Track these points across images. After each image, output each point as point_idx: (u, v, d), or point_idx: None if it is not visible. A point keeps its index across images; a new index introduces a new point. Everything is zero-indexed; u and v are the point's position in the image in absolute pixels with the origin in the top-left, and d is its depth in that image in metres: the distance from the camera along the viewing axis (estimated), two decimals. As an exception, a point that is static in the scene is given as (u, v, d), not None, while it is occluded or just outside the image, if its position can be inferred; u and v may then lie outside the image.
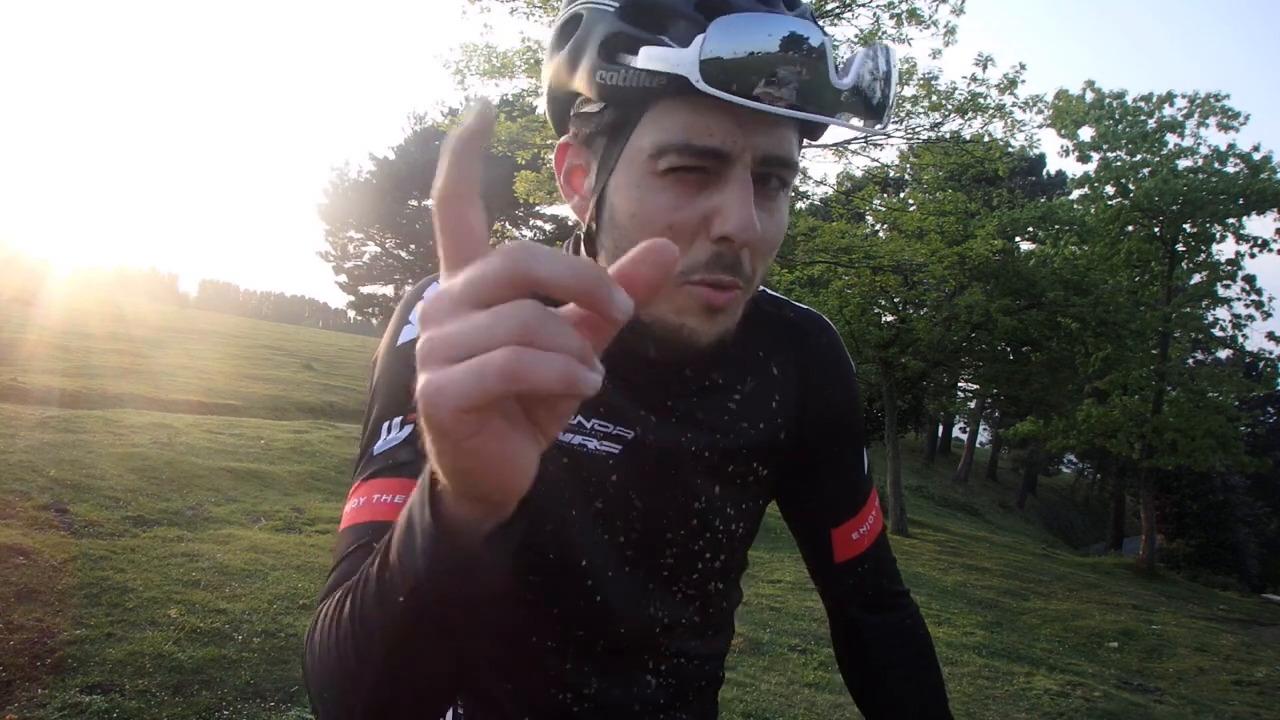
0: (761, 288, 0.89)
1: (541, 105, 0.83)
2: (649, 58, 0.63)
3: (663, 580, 0.80)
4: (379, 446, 0.69)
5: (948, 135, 10.89)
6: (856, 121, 0.68)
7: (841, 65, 0.65)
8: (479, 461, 0.36)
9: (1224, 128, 13.74)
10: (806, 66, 0.62)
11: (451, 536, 0.41)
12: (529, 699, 0.78)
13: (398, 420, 0.69)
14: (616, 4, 0.65)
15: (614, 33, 0.64)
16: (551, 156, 0.77)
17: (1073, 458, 34.70)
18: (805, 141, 0.74)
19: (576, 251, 0.75)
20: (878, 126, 0.69)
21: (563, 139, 0.75)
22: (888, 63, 0.68)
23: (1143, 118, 13.79)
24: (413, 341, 0.70)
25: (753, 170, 0.66)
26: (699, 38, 0.61)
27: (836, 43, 0.64)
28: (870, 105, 0.67)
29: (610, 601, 0.77)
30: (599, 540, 0.77)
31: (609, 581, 0.77)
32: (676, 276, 0.67)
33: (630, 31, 0.64)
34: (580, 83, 0.68)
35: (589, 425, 0.75)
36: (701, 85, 0.60)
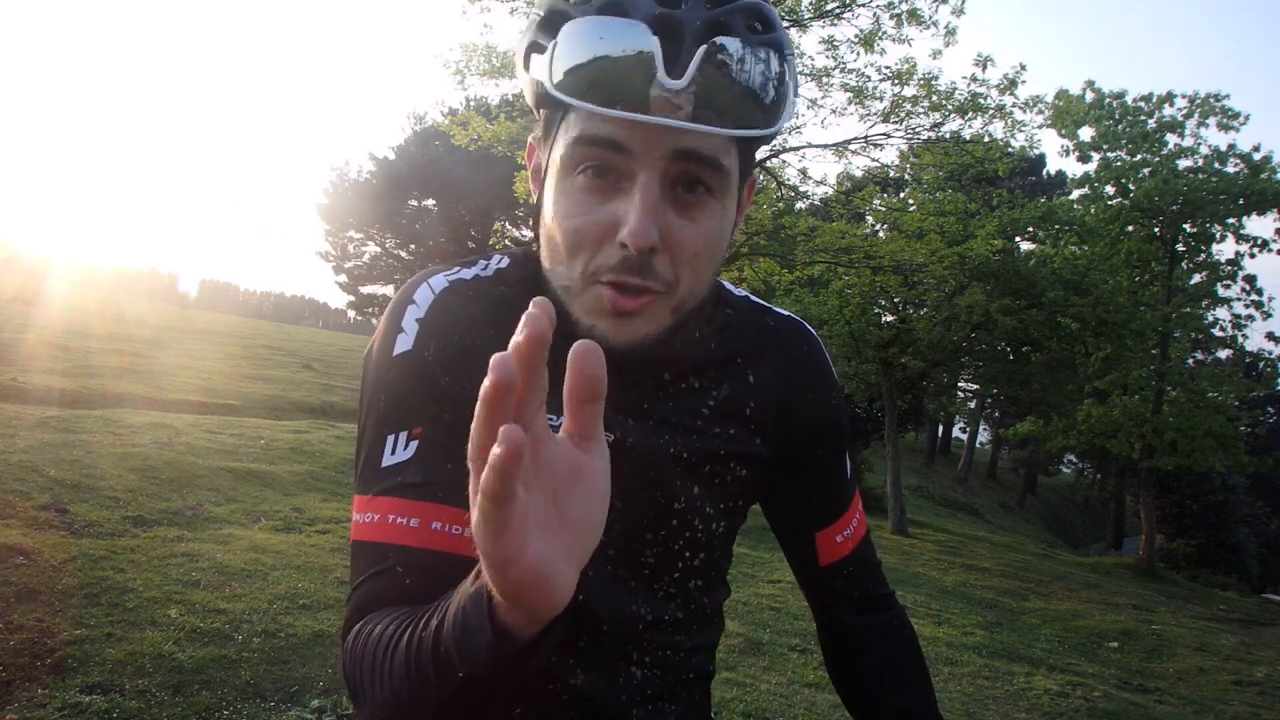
0: (746, 294, 0.90)
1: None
2: (535, 66, 0.67)
3: (644, 579, 0.82)
4: (386, 460, 0.71)
5: (948, 135, 10.89)
6: (710, 128, 0.64)
7: (684, 62, 0.63)
8: (525, 585, 0.44)
9: (1224, 128, 13.76)
10: (645, 66, 0.61)
11: (504, 639, 0.50)
12: (517, 689, 0.79)
13: (403, 435, 0.71)
14: (540, 13, 0.68)
15: (530, 41, 0.68)
16: None
17: (1073, 458, 34.70)
18: (764, 145, 0.75)
19: (536, 242, 0.78)
20: (756, 130, 0.66)
21: (530, 138, 0.78)
22: (769, 57, 0.65)
23: (1143, 118, 13.79)
24: (410, 353, 0.73)
25: (665, 169, 0.65)
26: (552, 44, 0.63)
27: (764, 39, 0.67)
28: (753, 105, 0.65)
29: (590, 600, 0.78)
30: None
31: (589, 581, 0.78)
32: (586, 276, 0.69)
33: (538, 40, 0.67)
34: (523, 87, 0.72)
35: None
36: (552, 91, 0.63)
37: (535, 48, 0.68)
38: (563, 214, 0.68)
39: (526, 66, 0.69)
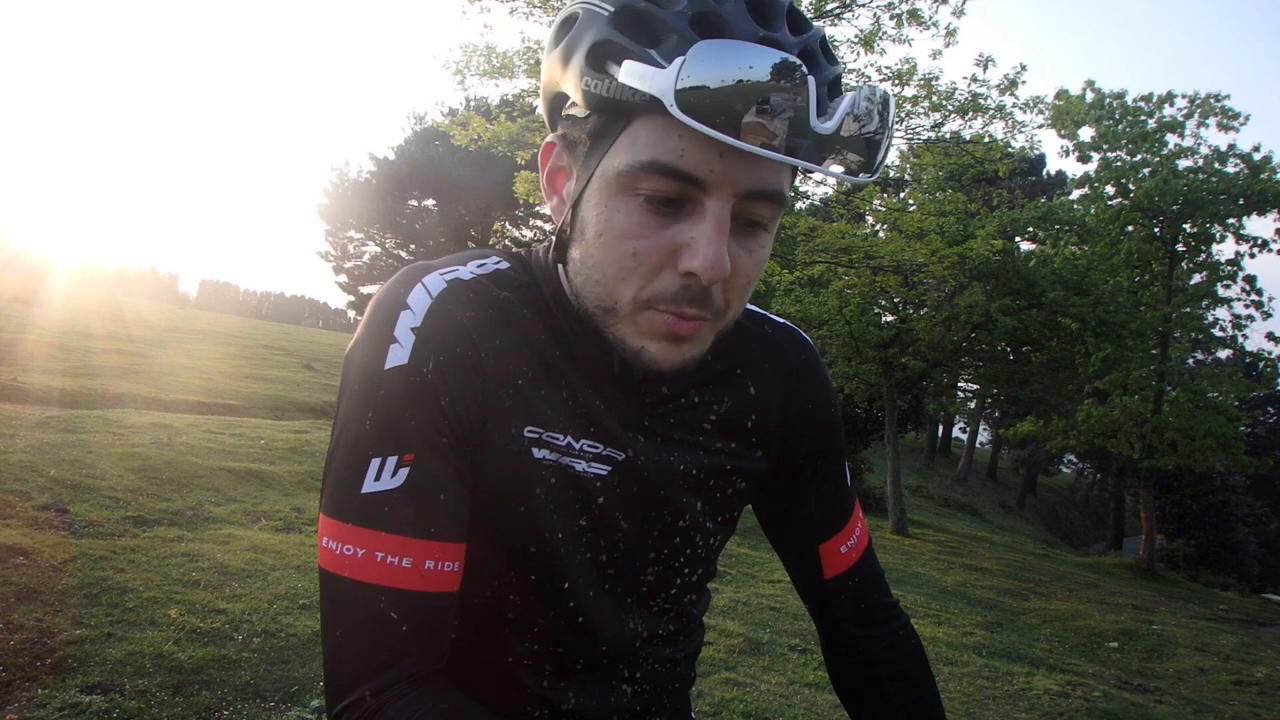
0: None
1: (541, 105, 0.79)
2: (629, 73, 0.60)
3: (641, 596, 0.80)
4: (368, 486, 0.65)
5: (948, 135, 10.90)
6: (837, 169, 0.64)
7: (830, 106, 0.62)
8: None
9: (1224, 128, 13.75)
10: (791, 103, 0.58)
11: None
12: (506, 717, 0.78)
13: (392, 460, 0.65)
14: (610, 9, 0.63)
15: (603, 40, 0.62)
16: None
17: (1073, 458, 34.70)
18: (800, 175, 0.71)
19: (557, 251, 0.73)
20: (867, 176, 0.65)
21: (549, 137, 0.72)
22: (884, 108, 0.64)
23: (1143, 118, 13.79)
24: (405, 369, 0.66)
25: (735, 204, 0.63)
26: (678, 60, 0.57)
27: (836, 72, 0.67)
28: (861, 152, 0.64)
29: (591, 619, 0.76)
30: (582, 559, 0.76)
31: (590, 600, 0.76)
32: (640, 302, 0.66)
33: (619, 41, 0.61)
34: (569, 85, 0.66)
35: (578, 446, 0.74)
36: (675, 113, 0.57)
37: (623, 51, 0.61)
38: (618, 233, 0.64)
39: (597, 66, 0.62)
